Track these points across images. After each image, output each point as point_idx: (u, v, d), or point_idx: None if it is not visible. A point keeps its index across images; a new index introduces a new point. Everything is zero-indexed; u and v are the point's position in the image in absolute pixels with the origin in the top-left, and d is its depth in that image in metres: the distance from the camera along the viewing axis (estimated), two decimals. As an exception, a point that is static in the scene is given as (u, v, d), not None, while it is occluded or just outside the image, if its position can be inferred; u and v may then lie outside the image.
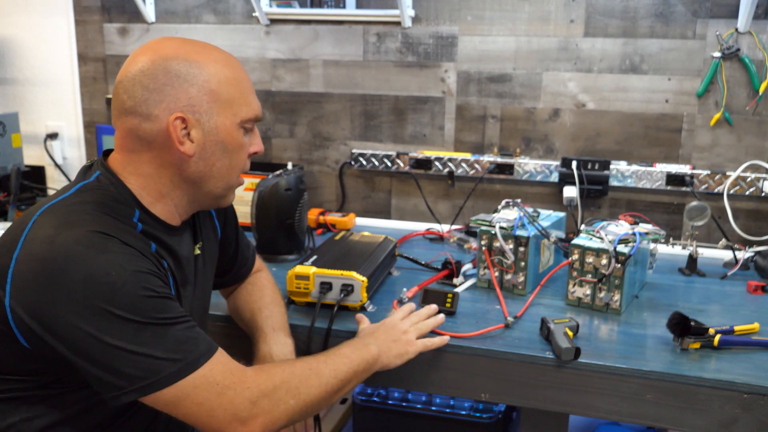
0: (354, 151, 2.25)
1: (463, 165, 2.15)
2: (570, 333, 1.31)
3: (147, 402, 0.97)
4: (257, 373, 1.04)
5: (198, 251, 1.22)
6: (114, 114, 1.07)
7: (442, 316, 1.37)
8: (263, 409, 1.01)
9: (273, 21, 2.25)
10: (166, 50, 1.05)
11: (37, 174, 2.50)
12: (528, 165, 2.10)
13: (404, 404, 2.00)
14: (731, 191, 1.95)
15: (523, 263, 1.55)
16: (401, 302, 1.48)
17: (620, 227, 1.53)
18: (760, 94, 1.91)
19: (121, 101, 1.05)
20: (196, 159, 1.07)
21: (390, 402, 2.01)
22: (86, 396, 1.04)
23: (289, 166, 2.25)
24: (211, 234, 1.29)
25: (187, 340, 0.98)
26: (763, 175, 1.93)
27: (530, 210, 1.65)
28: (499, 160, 2.12)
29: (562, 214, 1.80)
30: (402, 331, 1.28)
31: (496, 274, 1.58)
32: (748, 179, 1.95)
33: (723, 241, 1.82)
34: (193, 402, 0.97)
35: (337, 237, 1.71)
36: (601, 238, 1.48)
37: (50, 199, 1.03)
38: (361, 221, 2.24)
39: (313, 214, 2.13)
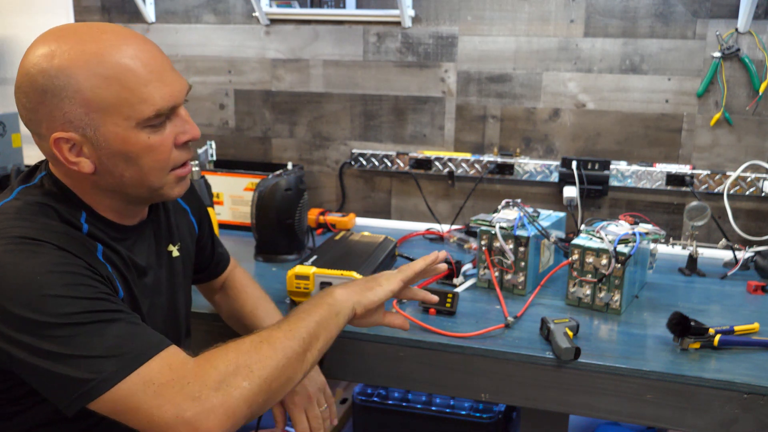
0: (354, 151, 2.25)
1: (463, 165, 2.15)
2: (570, 333, 1.31)
3: (98, 410, 0.87)
4: (199, 364, 0.91)
5: (177, 253, 1.18)
6: None
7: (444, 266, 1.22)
8: (211, 403, 0.87)
9: (273, 21, 2.25)
10: (33, 59, 0.93)
11: (37, 174, 2.49)
12: (528, 165, 2.10)
13: (404, 404, 1.99)
14: (731, 191, 1.95)
15: (523, 263, 1.55)
16: (401, 302, 1.48)
17: (620, 227, 1.53)
18: (760, 94, 1.91)
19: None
20: (100, 173, 0.97)
21: (390, 402, 2.01)
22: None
23: (289, 166, 2.24)
24: (186, 233, 1.24)
25: (127, 337, 0.89)
26: (763, 175, 1.93)
27: (530, 210, 1.65)
28: (499, 160, 2.12)
29: (562, 214, 1.80)
30: (379, 274, 1.15)
31: (496, 274, 1.58)
32: (748, 179, 1.95)
33: (723, 241, 1.82)
34: (131, 407, 0.86)
35: (337, 237, 1.72)
36: (601, 238, 1.48)
37: None
38: (361, 221, 2.24)
39: (313, 214, 2.13)
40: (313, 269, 1.44)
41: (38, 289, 0.87)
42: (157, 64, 0.96)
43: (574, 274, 1.50)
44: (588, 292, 1.49)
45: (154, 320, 1.11)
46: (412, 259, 1.74)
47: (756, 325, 1.38)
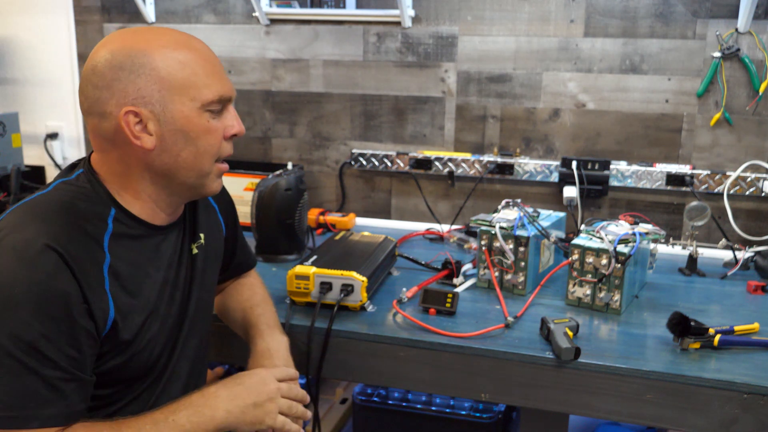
0: (354, 151, 2.25)
1: (463, 165, 2.15)
2: (570, 333, 1.31)
3: None
4: None
5: (196, 250, 1.19)
6: (82, 116, 1.06)
7: (309, 413, 1.19)
8: None
9: (273, 21, 2.25)
10: (112, 44, 1.02)
11: (37, 174, 2.49)
12: (528, 165, 2.10)
13: (404, 404, 1.99)
14: (731, 191, 1.95)
15: (523, 263, 1.55)
16: (401, 302, 1.48)
17: (620, 227, 1.53)
18: (760, 94, 1.91)
19: (81, 103, 1.04)
20: (158, 152, 1.03)
21: (390, 402, 2.00)
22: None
23: (289, 166, 2.25)
24: (214, 231, 1.27)
25: (31, 395, 0.90)
26: (763, 175, 1.93)
27: (530, 210, 1.65)
28: (499, 160, 2.12)
29: (562, 214, 1.80)
30: (269, 397, 1.11)
31: (496, 274, 1.58)
32: (748, 179, 1.94)
33: (723, 241, 1.82)
34: None
35: (337, 237, 1.72)
36: (601, 238, 1.48)
37: (30, 195, 1.03)
38: (361, 221, 2.24)
39: (313, 214, 2.13)
40: (313, 269, 1.44)
41: (10, 299, 0.90)
42: (217, 62, 1.08)
43: (574, 274, 1.50)
44: (588, 292, 1.49)
45: (171, 316, 1.13)
46: (412, 259, 1.75)
47: (756, 325, 1.38)
